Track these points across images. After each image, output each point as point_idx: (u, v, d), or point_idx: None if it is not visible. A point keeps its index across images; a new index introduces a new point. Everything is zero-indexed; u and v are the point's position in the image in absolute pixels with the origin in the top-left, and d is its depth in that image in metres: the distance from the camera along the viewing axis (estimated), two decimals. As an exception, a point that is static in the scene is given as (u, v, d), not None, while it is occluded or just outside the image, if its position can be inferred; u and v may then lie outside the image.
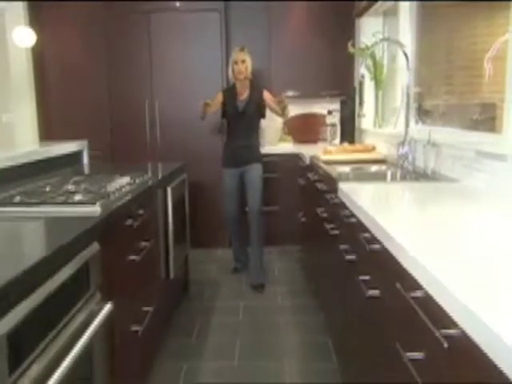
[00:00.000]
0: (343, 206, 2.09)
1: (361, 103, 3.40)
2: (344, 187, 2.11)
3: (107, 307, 1.54)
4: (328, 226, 2.48)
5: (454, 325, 0.90)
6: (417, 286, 1.10)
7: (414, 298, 1.12)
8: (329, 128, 4.51)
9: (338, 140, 4.44)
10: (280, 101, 3.54)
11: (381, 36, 4.13)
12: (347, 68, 4.56)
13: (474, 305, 0.83)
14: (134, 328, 2.02)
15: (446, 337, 0.94)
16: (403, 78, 3.15)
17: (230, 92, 3.76)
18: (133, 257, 2.00)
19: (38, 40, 4.17)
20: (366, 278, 1.66)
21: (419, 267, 1.09)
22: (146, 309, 2.20)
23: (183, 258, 3.28)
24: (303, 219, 3.87)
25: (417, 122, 3.16)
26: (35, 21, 4.29)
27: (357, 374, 1.96)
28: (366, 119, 4.18)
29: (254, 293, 3.54)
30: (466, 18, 2.78)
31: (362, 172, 2.89)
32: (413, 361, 1.12)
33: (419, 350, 1.11)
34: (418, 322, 1.09)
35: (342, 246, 2.09)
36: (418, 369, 1.11)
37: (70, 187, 2.14)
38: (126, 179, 2.33)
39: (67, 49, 4.43)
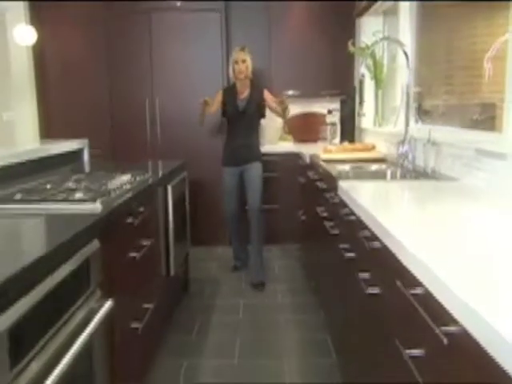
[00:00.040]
0: (343, 204, 2.10)
1: (361, 102, 3.41)
2: (344, 185, 2.11)
3: (107, 304, 1.54)
4: (328, 225, 2.49)
5: (453, 322, 0.90)
6: (417, 283, 1.10)
7: (414, 295, 1.12)
8: (329, 127, 4.51)
9: (337, 139, 4.45)
10: (281, 101, 3.56)
11: (381, 35, 4.13)
12: (347, 67, 4.57)
13: (474, 302, 0.83)
14: (135, 325, 2.03)
15: (446, 334, 0.94)
16: (403, 77, 3.15)
17: (230, 91, 3.76)
18: (133, 254, 2.00)
19: (38, 38, 4.17)
20: (366, 275, 1.67)
21: (419, 264, 1.09)
22: (146, 306, 2.21)
23: (183, 255, 3.29)
24: (303, 217, 3.87)
25: (417, 121, 3.16)
26: (36, 19, 4.29)
27: (356, 371, 1.96)
28: (366, 118, 4.18)
29: (254, 291, 3.55)
30: (465, 17, 2.78)
31: (362, 171, 2.89)
32: (413, 358, 1.13)
33: (419, 347, 1.11)
34: (417, 319, 1.09)
35: (342, 244, 2.10)
36: (417, 366, 1.11)
37: (71, 185, 2.15)
38: (126, 177, 2.33)
39: (68, 47, 4.43)
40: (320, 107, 4.79)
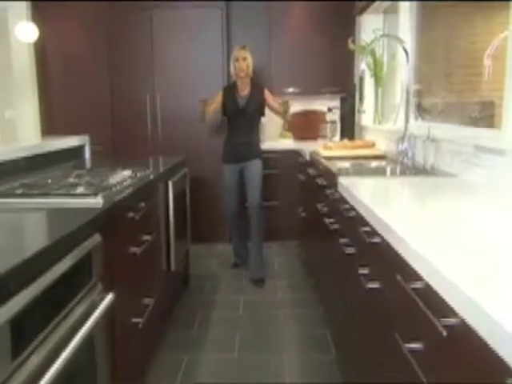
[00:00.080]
0: (343, 200, 2.11)
1: (361, 99, 3.42)
2: (344, 181, 2.12)
3: (108, 298, 1.55)
4: (328, 221, 2.50)
5: (453, 314, 0.91)
6: (417, 276, 1.11)
7: (414, 289, 1.13)
8: (329, 125, 4.53)
9: (337, 137, 4.47)
10: (285, 103, 3.65)
11: (381, 33, 4.14)
12: (347, 65, 4.58)
13: (473, 293, 0.84)
14: (135, 319, 2.04)
15: (446, 326, 0.95)
16: (403, 74, 3.16)
17: (230, 89, 3.78)
18: (134, 249, 2.01)
19: (40, 36, 4.18)
20: (366, 270, 1.68)
21: (420, 258, 1.09)
22: (146, 300, 2.22)
23: (184, 252, 3.30)
24: (303, 214, 3.89)
25: (416, 118, 3.17)
26: (37, 16, 4.30)
27: (356, 366, 1.97)
28: (366, 116, 4.19)
29: (254, 287, 3.56)
30: (465, 16, 2.79)
31: (362, 167, 2.90)
32: (412, 351, 1.14)
33: (419, 341, 1.12)
34: (417, 313, 1.10)
35: (342, 240, 2.11)
36: (417, 359, 1.12)
37: (72, 180, 2.16)
38: (127, 173, 2.34)
39: (69, 44, 4.44)
40: (320, 105, 4.80)
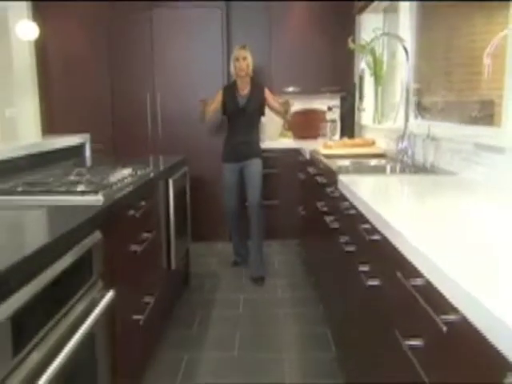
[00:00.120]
0: (343, 198, 2.11)
1: (361, 98, 3.43)
2: (344, 179, 2.13)
3: (109, 295, 1.55)
4: (328, 219, 2.50)
5: (453, 310, 0.92)
6: (417, 274, 1.11)
7: (415, 286, 1.13)
8: (329, 124, 4.53)
9: (337, 136, 4.47)
10: (286, 102, 3.65)
11: (381, 32, 4.14)
12: (347, 64, 4.58)
13: (473, 289, 0.84)
14: (136, 317, 2.04)
15: (446, 322, 0.95)
16: (403, 73, 3.17)
17: (230, 89, 3.78)
18: (135, 246, 2.02)
19: (40, 34, 4.19)
20: (366, 268, 1.68)
21: (420, 255, 1.10)
22: (147, 299, 2.22)
23: (184, 250, 3.30)
24: (303, 213, 3.89)
25: (416, 117, 3.17)
26: (38, 15, 4.30)
27: (356, 364, 1.98)
28: (366, 114, 4.20)
29: (254, 286, 3.57)
30: (465, 16, 2.80)
31: (362, 165, 2.91)
32: (413, 348, 1.14)
33: (419, 337, 1.12)
34: (417, 310, 1.10)
35: (342, 238, 2.11)
36: (417, 356, 1.12)
37: (73, 178, 2.16)
38: (127, 171, 2.34)
39: (70, 43, 4.45)
40: (320, 104, 4.81)
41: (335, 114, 4.52)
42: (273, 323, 2.97)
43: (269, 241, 4.30)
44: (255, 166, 3.72)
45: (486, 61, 1.86)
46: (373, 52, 3.98)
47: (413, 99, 3.15)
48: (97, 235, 1.56)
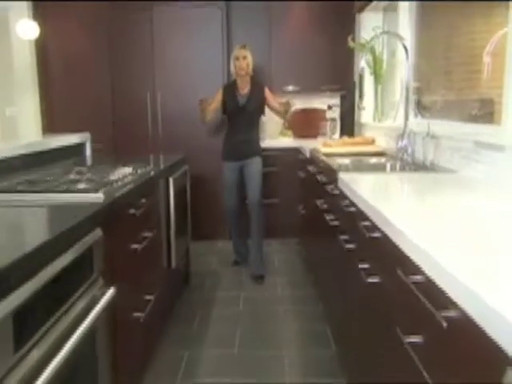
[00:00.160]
0: (343, 196, 2.12)
1: (361, 96, 3.43)
2: (344, 177, 2.13)
3: (110, 292, 1.55)
4: (328, 217, 2.50)
5: (453, 305, 0.92)
6: (418, 270, 1.12)
7: (415, 283, 1.14)
8: (329, 122, 4.53)
9: (337, 134, 4.47)
10: (286, 102, 3.65)
11: (381, 31, 4.14)
12: (347, 63, 4.59)
13: (473, 285, 0.85)
14: (136, 315, 2.05)
15: (446, 318, 0.95)
16: (402, 72, 3.17)
17: (230, 88, 3.78)
18: (135, 244, 2.02)
19: (41, 34, 4.20)
20: (366, 265, 1.68)
21: (420, 252, 1.10)
22: (147, 297, 2.23)
23: (184, 249, 3.31)
24: (303, 211, 3.89)
25: (416, 116, 3.18)
26: (38, 16, 4.30)
27: (356, 360, 1.98)
28: (366, 113, 4.20)
29: (254, 284, 3.57)
30: (464, 15, 2.80)
31: (362, 164, 2.91)
32: (413, 344, 1.14)
33: (419, 334, 1.13)
34: (418, 306, 1.11)
35: (342, 236, 2.12)
36: (418, 352, 1.13)
37: (73, 176, 2.17)
38: (128, 169, 2.35)
39: (70, 42, 4.45)
40: (320, 103, 4.81)
41: (335, 113, 4.53)
42: (273, 321, 2.97)
43: (269, 239, 4.31)
44: (255, 165, 3.72)
45: (486, 59, 1.87)
46: (373, 51, 3.98)
47: (413, 98, 3.15)
48: (97, 233, 1.56)
